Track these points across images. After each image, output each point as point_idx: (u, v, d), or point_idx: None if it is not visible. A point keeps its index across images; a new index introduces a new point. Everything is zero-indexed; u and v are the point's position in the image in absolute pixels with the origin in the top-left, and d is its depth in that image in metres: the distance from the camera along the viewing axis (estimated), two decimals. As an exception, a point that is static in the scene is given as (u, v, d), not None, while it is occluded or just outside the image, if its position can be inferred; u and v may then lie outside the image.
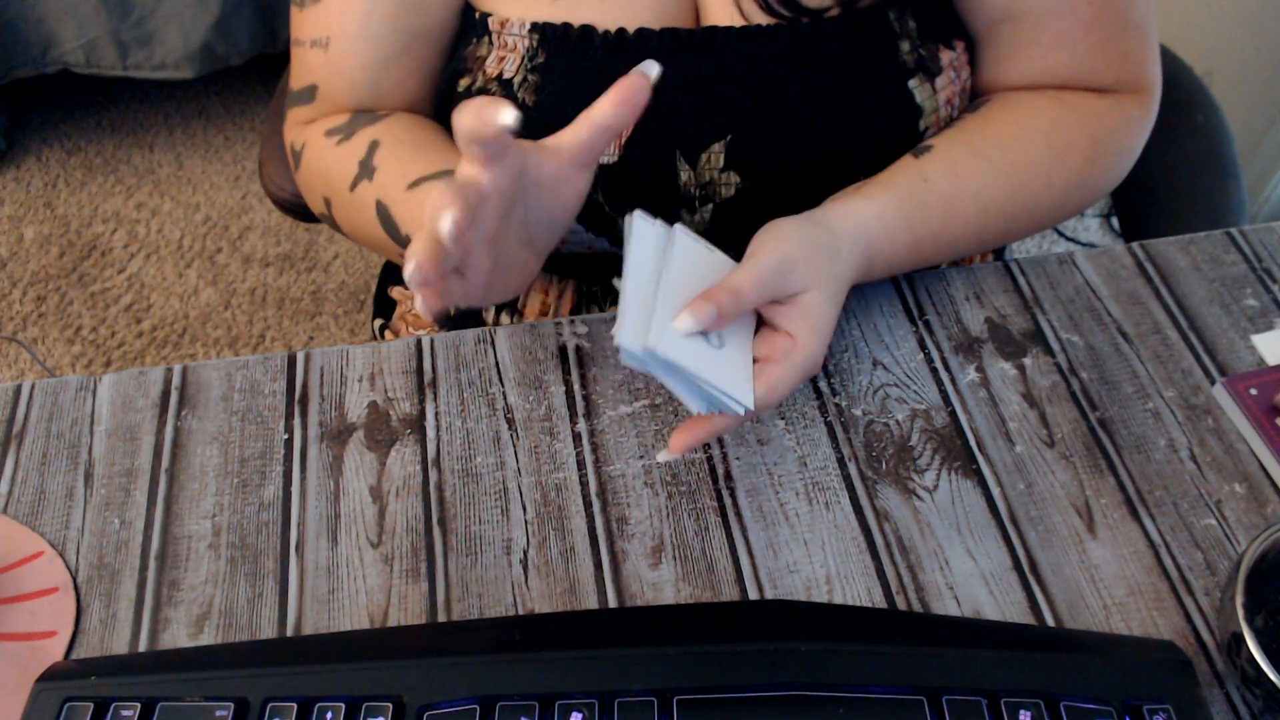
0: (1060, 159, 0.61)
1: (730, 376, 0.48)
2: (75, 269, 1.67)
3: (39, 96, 1.89)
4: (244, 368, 0.60)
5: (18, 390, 0.59)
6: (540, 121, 0.60)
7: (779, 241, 0.50)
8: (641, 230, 0.47)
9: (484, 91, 0.62)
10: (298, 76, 0.66)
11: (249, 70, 1.82)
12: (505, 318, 0.73)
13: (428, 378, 0.60)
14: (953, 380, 0.59)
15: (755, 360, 0.51)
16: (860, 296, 0.63)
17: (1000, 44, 0.63)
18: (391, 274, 0.86)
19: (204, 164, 1.82)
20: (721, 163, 0.61)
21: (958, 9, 0.63)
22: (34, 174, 1.80)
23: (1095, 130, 0.62)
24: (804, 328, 0.50)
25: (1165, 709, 0.44)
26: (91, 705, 0.44)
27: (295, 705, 0.44)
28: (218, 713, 0.43)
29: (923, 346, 0.61)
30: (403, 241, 0.58)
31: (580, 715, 0.43)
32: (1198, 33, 1.56)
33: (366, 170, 0.60)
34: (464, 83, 0.64)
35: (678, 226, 0.49)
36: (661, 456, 0.50)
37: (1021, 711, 0.43)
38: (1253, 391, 0.57)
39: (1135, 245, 0.66)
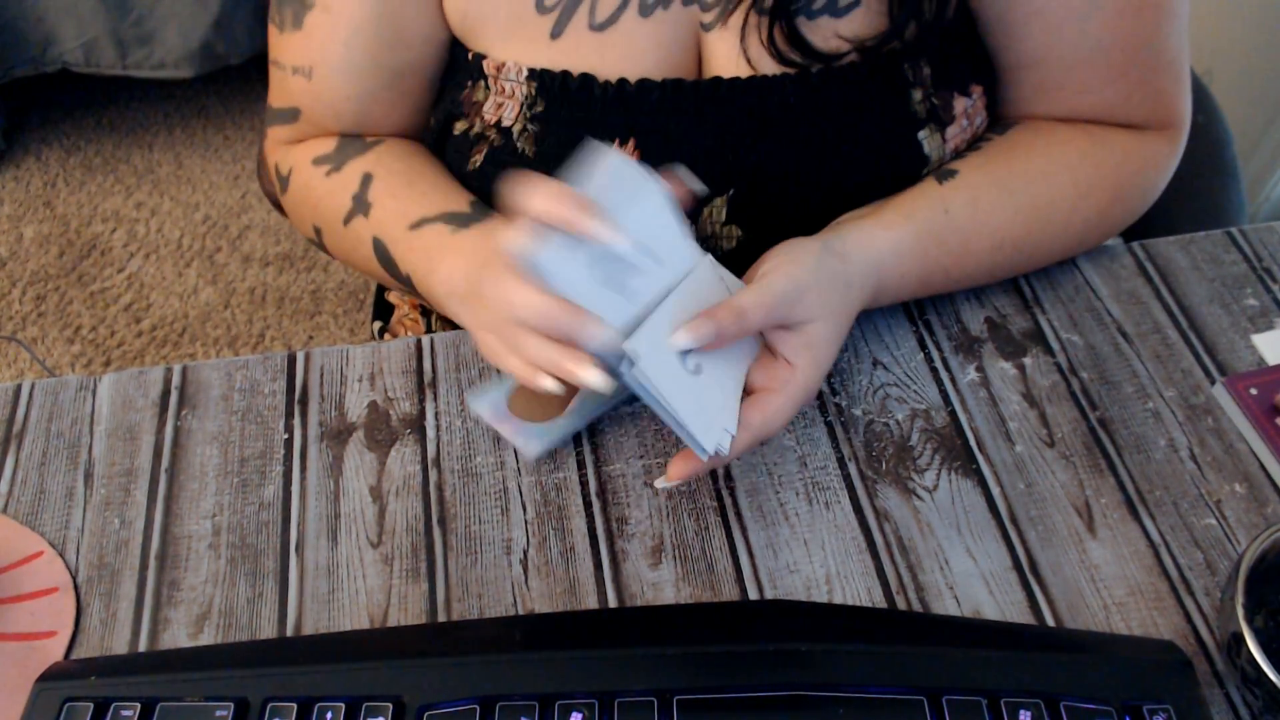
0: (1084, 197, 0.60)
1: (698, 411, 0.47)
2: (75, 268, 1.67)
3: (39, 96, 1.89)
4: (244, 367, 0.60)
5: (18, 390, 0.59)
6: (543, 172, 0.60)
7: (793, 266, 0.49)
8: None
9: (482, 137, 0.61)
10: (279, 97, 0.65)
11: (249, 70, 1.82)
12: None
13: (428, 377, 0.60)
14: (953, 380, 0.59)
15: (754, 390, 0.50)
16: (860, 296, 0.63)
17: (1025, 87, 0.61)
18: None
19: (204, 164, 1.82)
20: (724, 217, 0.59)
21: (987, 48, 0.61)
22: (34, 174, 1.80)
23: (1122, 168, 0.61)
24: (806, 358, 0.49)
25: (1165, 709, 0.44)
26: (91, 705, 0.44)
27: (295, 705, 0.44)
28: (218, 713, 0.43)
29: (923, 346, 0.61)
30: (403, 279, 0.59)
31: (580, 715, 0.43)
32: (1198, 33, 1.55)
33: (361, 206, 0.60)
34: (460, 126, 0.62)
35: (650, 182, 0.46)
36: (660, 484, 0.51)
37: (1021, 711, 0.43)
38: (1253, 391, 0.57)
39: (1135, 245, 0.66)
